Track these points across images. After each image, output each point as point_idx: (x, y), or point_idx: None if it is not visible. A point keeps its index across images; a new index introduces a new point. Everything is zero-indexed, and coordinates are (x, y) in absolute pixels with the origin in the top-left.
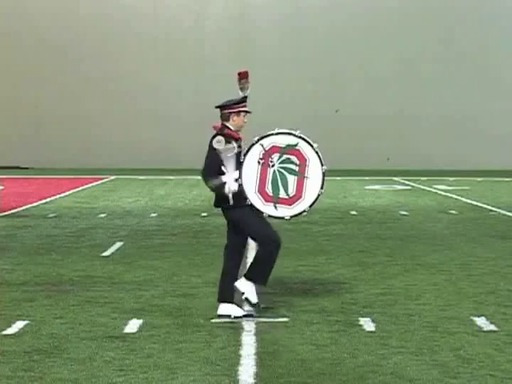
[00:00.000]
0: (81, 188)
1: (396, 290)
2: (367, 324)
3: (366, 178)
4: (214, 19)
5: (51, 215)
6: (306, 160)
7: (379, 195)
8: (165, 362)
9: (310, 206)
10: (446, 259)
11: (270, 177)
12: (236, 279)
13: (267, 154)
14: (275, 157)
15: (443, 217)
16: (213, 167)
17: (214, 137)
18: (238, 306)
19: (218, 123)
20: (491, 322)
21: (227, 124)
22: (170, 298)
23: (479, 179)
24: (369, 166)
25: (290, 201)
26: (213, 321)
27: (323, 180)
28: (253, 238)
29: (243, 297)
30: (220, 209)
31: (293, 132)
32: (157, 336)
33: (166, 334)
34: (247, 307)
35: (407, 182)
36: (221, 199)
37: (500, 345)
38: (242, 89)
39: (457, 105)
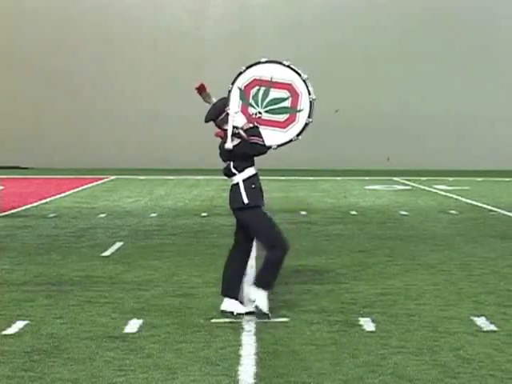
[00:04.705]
0: (81, 188)
1: (396, 290)
2: (367, 324)
3: (366, 178)
4: (214, 19)
5: (51, 215)
6: (298, 94)
7: (379, 195)
8: (165, 362)
9: (298, 135)
10: (445, 259)
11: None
12: (242, 274)
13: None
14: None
15: (443, 217)
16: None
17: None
18: (241, 302)
19: (219, 131)
20: (491, 322)
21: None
22: (169, 298)
23: (479, 179)
24: (369, 166)
25: (284, 124)
26: (213, 321)
27: (311, 109)
28: (261, 242)
29: (253, 305)
30: (232, 211)
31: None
32: (157, 336)
33: (166, 334)
34: (250, 305)
35: (407, 182)
36: (235, 199)
37: (500, 345)
38: (206, 101)
39: (457, 105)
